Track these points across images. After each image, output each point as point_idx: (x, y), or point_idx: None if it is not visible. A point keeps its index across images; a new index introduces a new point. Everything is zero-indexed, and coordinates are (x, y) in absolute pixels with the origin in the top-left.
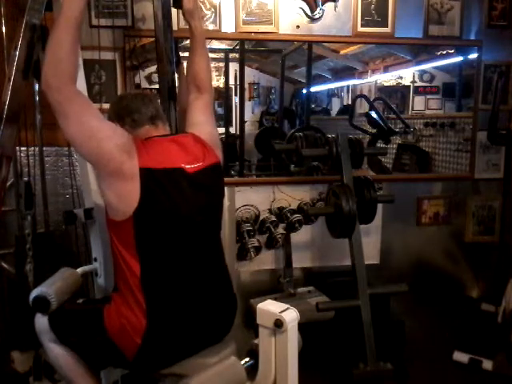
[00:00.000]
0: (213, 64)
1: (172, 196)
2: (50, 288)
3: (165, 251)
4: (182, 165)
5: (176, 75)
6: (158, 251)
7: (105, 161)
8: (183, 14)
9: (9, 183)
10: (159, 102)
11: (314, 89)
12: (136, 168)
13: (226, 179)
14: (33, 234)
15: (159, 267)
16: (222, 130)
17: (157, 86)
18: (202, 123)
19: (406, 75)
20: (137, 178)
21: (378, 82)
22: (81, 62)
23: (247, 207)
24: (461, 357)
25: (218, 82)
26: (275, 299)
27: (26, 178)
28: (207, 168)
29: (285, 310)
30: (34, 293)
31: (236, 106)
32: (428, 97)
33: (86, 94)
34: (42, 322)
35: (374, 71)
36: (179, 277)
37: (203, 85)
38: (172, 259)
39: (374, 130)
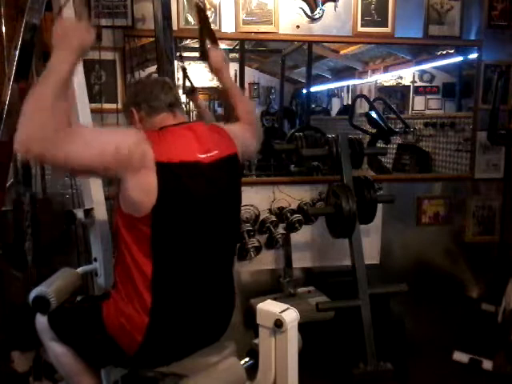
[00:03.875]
0: None
1: (189, 189)
2: (50, 287)
3: (180, 249)
4: (198, 155)
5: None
6: (173, 249)
7: (127, 160)
8: (211, 69)
9: (8, 183)
10: (178, 90)
11: (314, 89)
12: (152, 162)
13: None
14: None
15: (172, 265)
16: None
17: None
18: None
19: (406, 75)
20: (154, 172)
21: (378, 82)
22: (81, 62)
23: (247, 207)
24: (461, 357)
25: (217, 82)
26: (275, 299)
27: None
28: (222, 159)
29: (285, 310)
30: (34, 292)
31: None
32: (428, 97)
33: (85, 94)
34: (41, 321)
35: (374, 71)
36: (190, 274)
37: (250, 123)
38: (186, 256)
39: (374, 130)
